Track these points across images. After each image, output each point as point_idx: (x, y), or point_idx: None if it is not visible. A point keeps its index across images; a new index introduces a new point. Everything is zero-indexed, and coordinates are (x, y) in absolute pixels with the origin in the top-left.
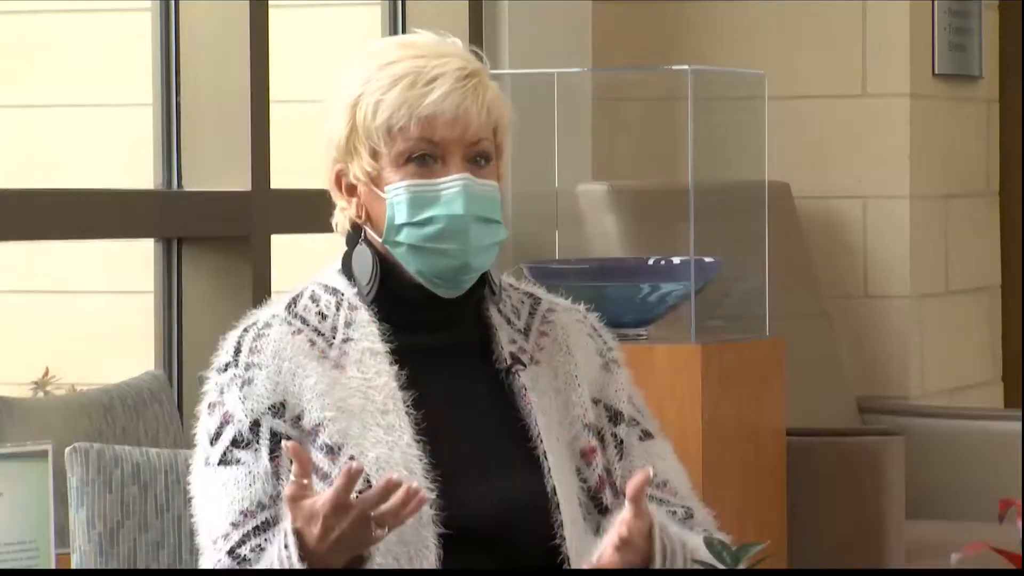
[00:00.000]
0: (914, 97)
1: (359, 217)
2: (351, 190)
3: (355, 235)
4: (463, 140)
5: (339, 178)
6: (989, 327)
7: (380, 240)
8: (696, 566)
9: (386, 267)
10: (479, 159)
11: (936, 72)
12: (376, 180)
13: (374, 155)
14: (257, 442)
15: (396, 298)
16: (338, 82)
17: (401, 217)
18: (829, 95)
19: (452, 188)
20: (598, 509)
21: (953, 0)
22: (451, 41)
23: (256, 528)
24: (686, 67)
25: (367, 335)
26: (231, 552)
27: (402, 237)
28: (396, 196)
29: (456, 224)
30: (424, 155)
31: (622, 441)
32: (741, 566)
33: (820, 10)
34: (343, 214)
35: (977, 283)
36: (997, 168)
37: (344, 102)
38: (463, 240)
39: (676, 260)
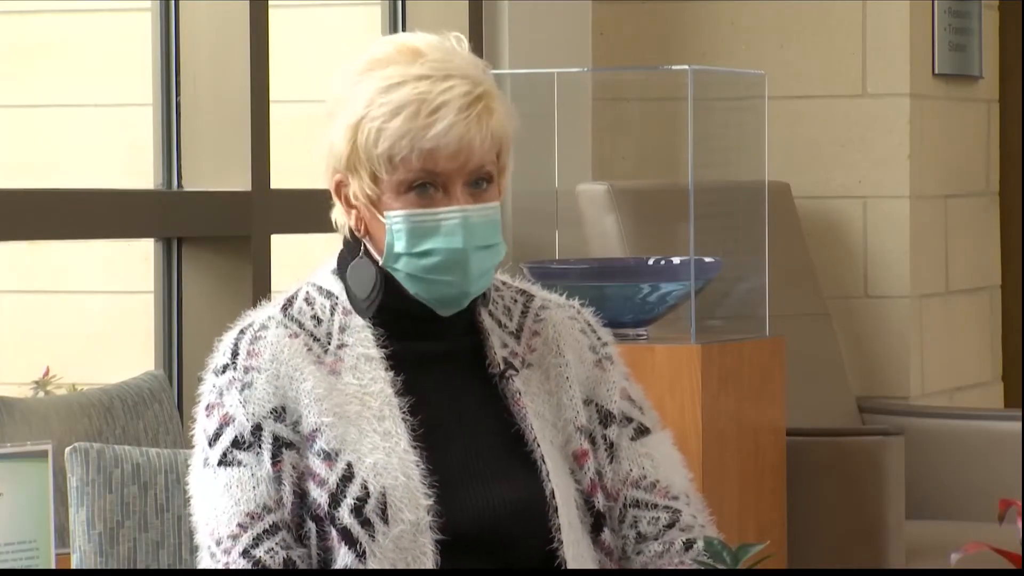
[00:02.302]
0: (914, 97)
1: (358, 231)
2: (350, 201)
3: (353, 244)
4: (465, 169)
5: (339, 187)
6: (989, 327)
7: (380, 261)
8: None
9: (384, 279)
10: (480, 182)
11: (936, 72)
12: (376, 203)
13: (374, 179)
14: (259, 445)
15: (391, 307)
16: (340, 87)
17: (400, 247)
18: (829, 95)
19: (451, 220)
20: (591, 512)
21: (953, 0)
22: (456, 39)
23: (266, 531)
24: (686, 67)
25: (362, 340)
26: (245, 553)
27: (400, 265)
28: (395, 224)
29: (456, 256)
30: (425, 184)
31: (612, 444)
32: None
33: (820, 10)
34: (343, 217)
35: (977, 283)
36: (997, 168)
37: (345, 120)
38: (463, 271)
39: (676, 260)
